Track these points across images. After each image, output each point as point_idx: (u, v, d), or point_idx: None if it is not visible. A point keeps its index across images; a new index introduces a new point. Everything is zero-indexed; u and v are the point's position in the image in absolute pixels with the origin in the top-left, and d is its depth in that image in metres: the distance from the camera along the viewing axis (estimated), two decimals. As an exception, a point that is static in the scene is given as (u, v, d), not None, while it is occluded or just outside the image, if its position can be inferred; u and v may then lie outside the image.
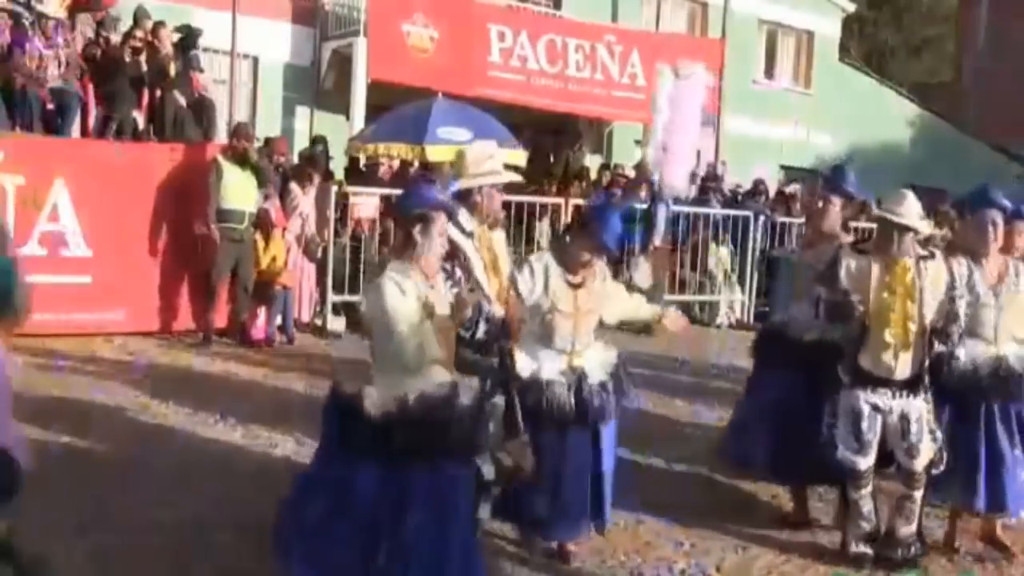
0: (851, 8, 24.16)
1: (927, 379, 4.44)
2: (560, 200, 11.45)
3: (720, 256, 12.09)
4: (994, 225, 4.54)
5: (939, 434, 4.44)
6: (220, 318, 8.80)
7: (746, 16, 21.02)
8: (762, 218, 12.29)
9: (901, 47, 36.39)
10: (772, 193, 14.69)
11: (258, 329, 8.94)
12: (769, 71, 22.82)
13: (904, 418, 4.38)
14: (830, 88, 22.68)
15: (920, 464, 4.40)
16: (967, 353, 4.59)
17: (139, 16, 10.10)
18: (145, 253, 8.66)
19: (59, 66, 8.85)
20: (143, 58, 9.32)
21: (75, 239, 8.33)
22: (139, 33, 9.47)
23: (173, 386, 7.00)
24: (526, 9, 18.41)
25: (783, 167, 22.02)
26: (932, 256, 4.43)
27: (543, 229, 11.42)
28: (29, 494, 4.67)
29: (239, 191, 8.58)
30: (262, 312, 8.99)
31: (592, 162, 17.43)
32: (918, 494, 4.46)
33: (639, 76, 18.09)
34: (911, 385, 4.39)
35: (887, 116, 23.74)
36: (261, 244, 8.89)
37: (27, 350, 7.76)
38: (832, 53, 23.76)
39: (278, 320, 9.00)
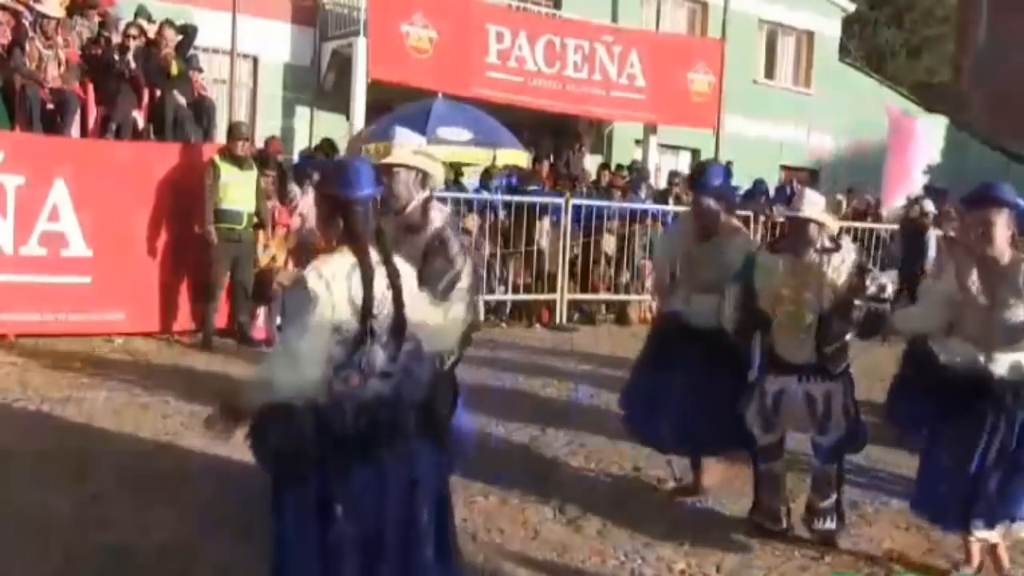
0: (851, 8, 24.19)
1: (842, 366, 4.62)
2: (560, 200, 11.45)
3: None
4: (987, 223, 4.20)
5: (855, 414, 4.64)
6: (220, 318, 8.80)
7: (746, 16, 21.03)
8: (762, 218, 12.29)
9: (901, 47, 36.38)
10: (772, 193, 14.68)
11: (258, 329, 8.94)
12: (769, 71, 22.84)
13: (810, 398, 4.61)
14: (830, 88, 22.69)
15: (829, 440, 4.65)
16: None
17: (138, 16, 10.09)
18: (145, 253, 8.65)
19: (59, 66, 8.84)
20: (133, 56, 9.30)
21: (75, 239, 8.33)
22: (133, 31, 9.46)
23: (173, 386, 7.00)
24: (525, 9, 18.42)
25: (783, 167, 22.03)
26: (837, 248, 4.61)
27: (543, 229, 11.42)
28: (29, 494, 4.68)
29: (237, 192, 8.59)
30: (262, 312, 8.99)
31: (592, 162, 17.43)
32: (831, 469, 4.71)
33: (638, 76, 18.10)
34: (818, 370, 4.59)
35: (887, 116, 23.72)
36: (261, 244, 8.89)
37: (27, 350, 7.77)
38: (832, 53, 23.78)
39: (278, 320, 8.99)
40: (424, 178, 4.30)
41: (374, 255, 3.09)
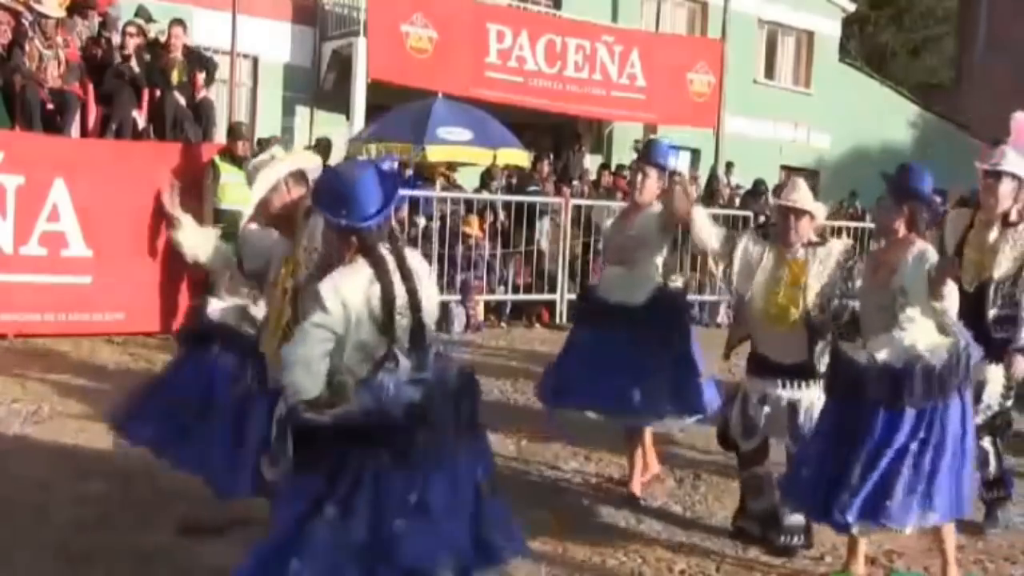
0: (851, 8, 24.19)
1: (820, 368, 4.42)
2: (560, 200, 11.45)
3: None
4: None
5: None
6: (220, 318, 8.78)
7: (746, 16, 21.04)
8: (762, 218, 12.29)
9: (901, 47, 36.41)
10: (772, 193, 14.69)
11: (258, 329, 8.93)
12: (769, 71, 22.84)
13: (793, 409, 4.46)
14: (830, 88, 22.69)
15: None
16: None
17: (138, 15, 10.07)
18: (145, 253, 8.64)
19: (59, 66, 8.84)
20: (134, 55, 9.29)
21: (75, 239, 8.33)
22: (132, 30, 9.46)
23: (173, 386, 6.98)
24: (525, 9, 18.43)
25: (783, 167, 22.05)
26: (823, 242, 4.54)
27: (543, 229, 11.43)
28: (29, 494, 4.68)
29: (237, 192, 8.57)
30: (262, 312, 8.98)
31: (592, 162, 17.44)
32: None
33: (639, 76, 18.12)
34: (800, 373, 4.44)
35: (887, 116, 23.74)
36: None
37: (27, 350, 7.77)
38: (832, 53, 23.78)
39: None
40: (303, 175, 3.97)
41: (389, 260, 3.02)
